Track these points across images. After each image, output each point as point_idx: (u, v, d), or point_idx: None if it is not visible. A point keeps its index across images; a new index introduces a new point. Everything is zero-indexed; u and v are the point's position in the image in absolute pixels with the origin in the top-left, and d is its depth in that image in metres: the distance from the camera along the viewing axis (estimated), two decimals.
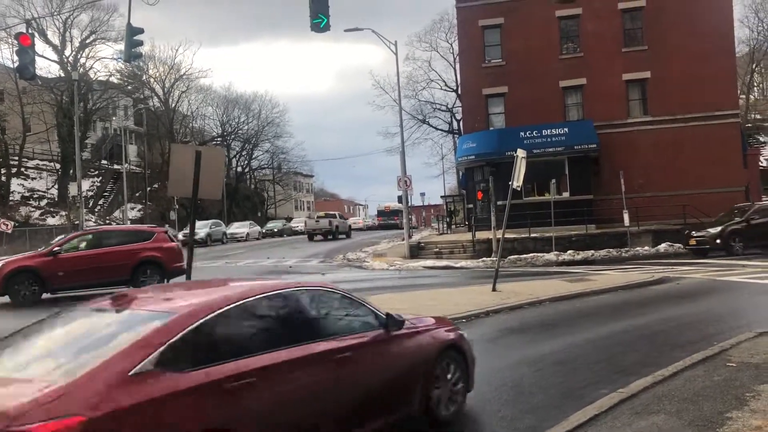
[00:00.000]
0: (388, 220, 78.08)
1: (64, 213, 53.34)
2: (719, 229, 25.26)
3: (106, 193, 64.35)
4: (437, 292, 16.67)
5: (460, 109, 46.81)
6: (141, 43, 17.72)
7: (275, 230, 64.88)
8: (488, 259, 26.62)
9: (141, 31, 17.19)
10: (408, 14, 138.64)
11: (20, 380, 4.15)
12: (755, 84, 66.86)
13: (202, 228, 48.05)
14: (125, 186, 56.73)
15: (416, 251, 30.79)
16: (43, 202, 57.85)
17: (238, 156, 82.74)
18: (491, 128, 35.34)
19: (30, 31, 18.28)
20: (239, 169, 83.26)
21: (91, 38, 60.89)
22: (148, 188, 63.82)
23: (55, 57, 60.32)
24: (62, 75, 58.98)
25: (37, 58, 19.74)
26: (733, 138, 33.31)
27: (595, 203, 32.07)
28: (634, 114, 34.34)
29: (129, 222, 53.74)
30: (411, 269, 26.04)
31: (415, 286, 19.17)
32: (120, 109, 72.43)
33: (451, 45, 55.83)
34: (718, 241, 24.97)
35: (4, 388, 4.07)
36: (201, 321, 4.68)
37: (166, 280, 19.37)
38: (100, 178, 65.81)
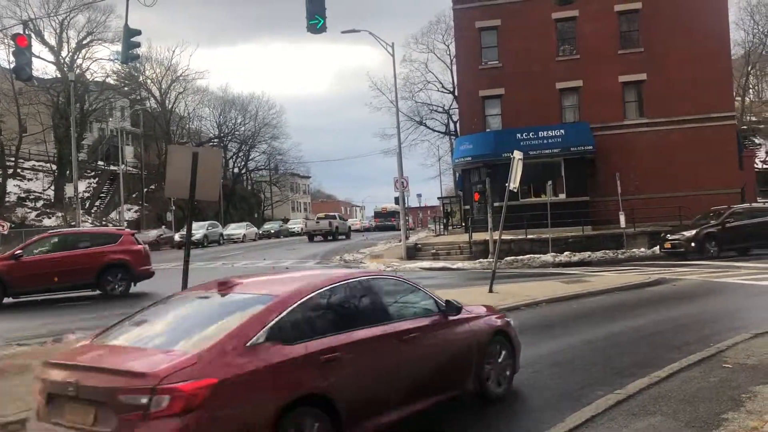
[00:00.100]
0: (385, 221, 78.05)
1: (60, 214, 53.25)
2: (694, 232, 25.06)
3: (102, 195, 64.21)
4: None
5: (457, 110, 46.90)
6: (138, 45, 17.69)
7: (272, 231, 64.84)
8: (485, 260, 26.65)
9: (138, 32, 17.16)
10: (405, 16, 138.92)
11: (162, 350, 5.04)
12: (750, 86, 67.03)
13: (198, 229, 47.99)
14: (122, 187, 56.66)
15: (413, 253, 30.81)
16: (40, 203, 57.72)
17: (234, 157, 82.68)
18: (488, 130, 35.38)
19: (27, 32, 18.27)
20: (236, 170, 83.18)
21: (88, 39, 60.83)
22: (145, 189, 63.72)
23: (51, 58, 60.26)
24: (59, 76, 58.86)
25: (33, 59, 19.71)
26: (728, 140, 33.40)
27: (591, 205, 32.13)
28: (630, 116, 34.42)
29: (125, 223, 53.64)
30: (408, 270, 26.03)
31: None
32: (117, 110, 72.29)
33: (448, 47, 55.93)
34: (692, 244, 24.77)
35: (150, 356, 4.97)
36: (298, 303, 5.56)
37: (132, 284, 19.22)
38: (97, 179, 65.67)
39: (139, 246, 19.69)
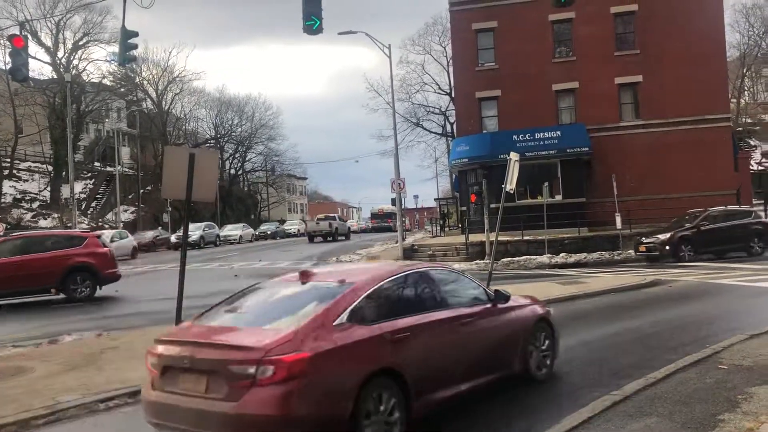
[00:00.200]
0: (381, 222, 78.13)
1: (56, 215, 53.14)
2: (668, 235, 24.83)
3: (98, 196, 64.10)
4: None
5: (454, 112, 46.91)
6: (135, 46, 17.68)
7: (268, 232, 64.78)
8: (481, 261, 26.67)
9: (135, 34, 17.15)
10: (401, 17, 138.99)
11: (262, 328, 5.86)
12: (746, 88, 67.20)
13: (195, 230, 47.89)
14: (118, 188, 56.58)
15: (410, 254, 30.80)
16: (35, 204, 57.59)
17: (231, 158, 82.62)
18: (484, 131, 35.42)
19: (23, 33, 18.20)
20: (233, 171, 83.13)
21: (84, 40, 60.76)
22: (141, 190, 63.63)
23: (47, 59, 60.19)
24: (55, 77, 58.76)
25: (29, 59, 19.68)
26: (724, 141, 33.49)
27: (587, 206, 32.17)
28: (626, 117, 34.49)
29: (121, 225, 53.57)
30: None
31: None
32: (113, 111, 72.18)
33: (445, 48, 56.03)
34: (667, 247, 24.52)
35: (253, 333, 5.77)
36: (372, 289, 6.33)
37: (98, 287, 18.90)
38: (93, 180, 65.56)
39: (105, 249, 19.35)
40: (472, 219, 33.88)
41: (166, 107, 73.64)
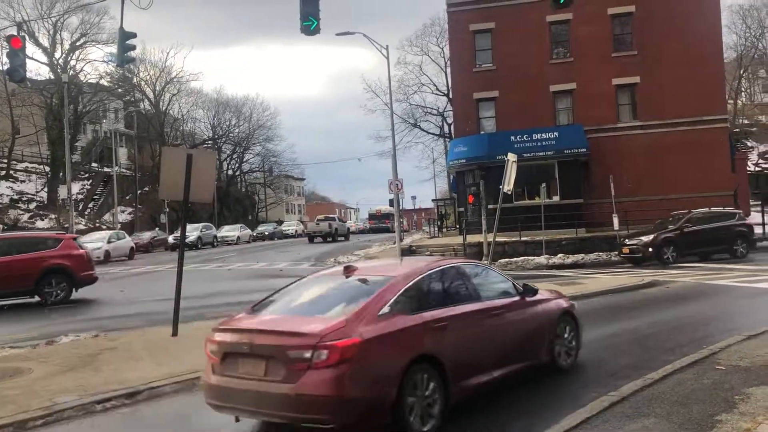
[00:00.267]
0: (379, 223, 78.19)
1: (53, 216, 53.04)
2: (651, 237, 24.64)
3: (96, 197, 63.99)
4: None
5: (451, 113, 46.94)
6: (134, 48, 17.65)
7: (266, 234, 64.77)
8: (479, 262, 26.64)
9: (134, 35, 17.13)
10: (399, 18, 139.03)
11: (314, 318, 6.38)
12: (743, 89, 67.36)
13: (192, 231, 47.86)
14: (115, 189, 56.51)
15: (407, 255, 30.77)
16: (33, 205, 57.46)
17: (229, 159, 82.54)
18: (482, 132, 35.45)
19: (21, 34, 18.16)
20: (230, 172, 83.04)
21: (82, 41, 60.66)
22: (139, 191, 63.53)
23: (44, 59, 60.06)
24: (52, 77, 58.68)
25: (26, 60, 19.62)
26: (721, 143, 33.56)
27: (585, 207, 32.20)
28: (623, 118, 34.53)
29: (119, 225, 53.51)
30: None
31: None
32: (110, 111, 72.11)
33: (443, 49, 56.05)
34: (650, 249, 24.29)
35: (307, 321, 6.28)
36: (411, 283, 6.81)
37: (75, 290, 18.67)
38: (90, 181, 65.45)
39: (81, 251, 19.07)
40: (469, 220, 33.90)
41: (164, 108, 73.58)
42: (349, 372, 5.78)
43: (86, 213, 60.09)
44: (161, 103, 73.20)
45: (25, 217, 54.08)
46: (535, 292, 8.27)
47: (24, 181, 60.84)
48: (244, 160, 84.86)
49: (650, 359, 8.91)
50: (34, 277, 17.71)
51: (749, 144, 58.14)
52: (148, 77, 71.85)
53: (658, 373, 7.75)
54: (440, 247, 31.37)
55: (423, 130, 61.33)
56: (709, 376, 7.60)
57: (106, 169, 65.43)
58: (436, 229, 44.28)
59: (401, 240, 33.50)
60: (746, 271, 20.01)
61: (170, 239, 49.07)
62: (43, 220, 53.76)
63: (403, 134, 58.85)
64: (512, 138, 32.37)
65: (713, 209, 26.32)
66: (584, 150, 32.61)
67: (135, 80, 70.93)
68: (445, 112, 59.01)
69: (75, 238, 20.08)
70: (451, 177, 45.00)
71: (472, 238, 29.77)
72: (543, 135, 32.88)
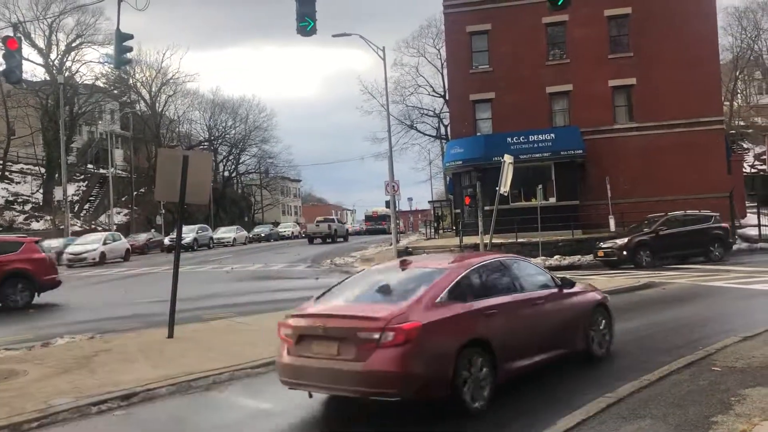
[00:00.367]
0: (375, 225, 78.21)
1: (48, 217, 52.97)
2: (626, 240, 24.47)
3: (91, 198, 63.86)
4: None
5: (448, 114, 46.98)
6: (131, 49, 17.58)
7: (262, 235, 64.74)
8: None
9: (130, 36, 17.07)
10: (396, 19, 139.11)
11: (380, 304, 7.17)
12: (739, 91, 67.51)
13: (188, 233, 47.77)
14: (111, 190, 56.41)
15: (404, 256, 30.75)
16: (28, 207, 57.34)
17: (225, 160, 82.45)
18: (478, 134, 35.47)
19: (17, 35, 18.11)
20: (226, 173, 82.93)
21: (77, 42, 60.59)
22: (135, 193, 63.44)
23: (40, 60, 59.97)
24: (48, 78, 58.58)
25: (23, 61, 19.55)
26: (717, 144, 33.63)
27: (581, 208, 32.23)
28: (620, 120, 34.59)
29: (114, 227, 53.39)
30: None
31: None
32: (106, 113, 71.97)
33: (439, 51, 56.11)
34: (624, 252, 24.11)
35: (374, 307, 7.04)
36: (464, 273, 7.58)
37: (37, 294, 18.35)
38: (86, 182, 65.31)
39: (43, 255, 18.77)
40: (466, 221, 33.89)
41: (160, 109, 73.45)
42: (412, 351, 6.48)
43: (82, 214, 59.96)
44: (157, 105, 73.10)
45: (21, 218, 53.98)
46: (572, 284, 9.02)
47: (19, 183, 60.70)
48: (241, 161, 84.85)
49: (646, 360, 8.91)
50: None
51: (745, 146, 58.27)
52: (144, 78, 71.85)
53: (654, 374, 7.75)
54: (437, 249, 31.31)
55: (419, 131, 61.43)
56: (705, 378, 7.60)
57: (101, 171, 65.31)
58: (433, 230, 44.29)
59: (398, 241, 33.49)
60: (742, 273, 20.05)
61: (166, 241, 48.95)
62: (38, 221, 53.67)
63: (399, 136, 58.91)
64: (509, 139, 32.39)
65: (689, 212, 26.14)
66: (581, 151, 32.65)
67: (131, 81, 70.84)
68: (441, 113, 59.08)
69: (37, 242, 19.64)
70: (448, 178, 45.00)
71: (468, 240, 29.77)
72: (539, 136, 32.91)
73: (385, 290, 7.54)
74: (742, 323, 11.38)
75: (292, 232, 71.23)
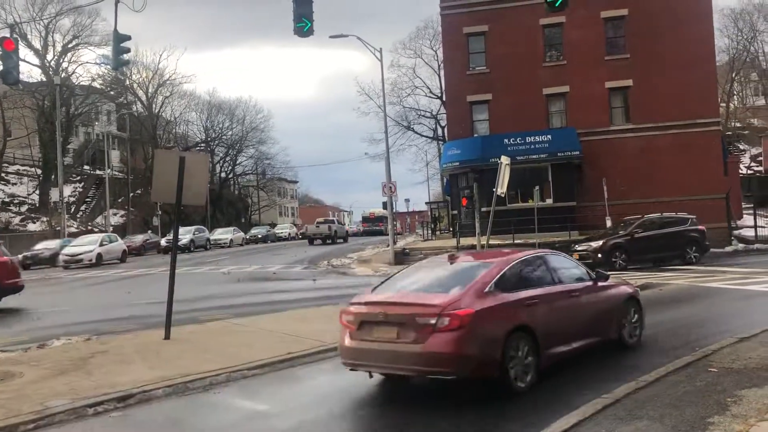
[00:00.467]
0: (372, 226, 78.22)
1: (45, 219, 52.82)
2: (601, 243, 24.22)
3: (88, 199, 63.74)
4: None
5: (445, 115, 47.00)
6: (128, 50, 17.57)
7: (259, 236, 64.65)
8: None
9: (128, 37, 17.06)
10: (393, 20, 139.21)
11: (434, 293, 7.80)
12: (735, 92, 67.74)
13: (185, 234, 47.66)
14: (107, 191, 56.30)
15: (401, 257, 30.78)
16: (24, 208, 57.21)
17: (221, 162, 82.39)
18: (475, 135, 35.48)
19: (14, 36, 18.07)
20: (223, 174, 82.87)
21: (74, 43, 60.49)
22: (131, 194, 63.32)
23: (36, 61, 59.90)
24: (44, 79, 58.45)
25: (19, 62, 19.54)
26: (713, 145, 33.68)
27: (578, 210, 32.27)
28: (616, 121, 34.63)
29: (111, 228, 53.29)
30: None
31: None
32: (103, 114, 71.84)
33: (436, 52, 56.13)
34: (599, 255, 23.69)
35: (430, 295, 7.72)
36: (508, 266, 8.29)
37: None
38: (82, 183, 65.21)
39: (5, 258, 18.37)
40: (463, 222, 33.91)
41: (157, 110, 73.35)
42: (465, 335, 7.17)
43: (78, 216, 59.84)
44: (154, 106, 73.01)
45: (17, 219, 53.84)
46: (606, 278, 9.70)
47: (15, 184, 60.57)
48: (237, 162, 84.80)
49: (643, 361, 8.92)
50: None
51: (741, 147, 58.47)
52: (140, 79, 71.72)
53: (651, 375, 7.77)
54: (434, 250, 31.30)
55: (416, 132, 61.42)
56: (702, 378, 7.62)
57: (98, 172, 65.19)
58: (430, 231, 44.32)
59: (395, 243, 33.48)
60: (739, 274, 20.09)
61: (163, 242, 48.89)
62: (34, 222, 53.55)
63: (396, 137, 58.91)
64: (505, 141, 32.42)
65: (665, 214, 26.00)
66: (577, 153, 32.68)
67: (127, 82, 70.73)
68: (438, 114, 59.07)
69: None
70: (445, 180, 45.04)
71: (465, 241, 29.79)
72: (536, 138, 32.95)
73: (437, 281, 8.21)
74: (739, 324, 11.40)
75: (289, 234, 71.20)
